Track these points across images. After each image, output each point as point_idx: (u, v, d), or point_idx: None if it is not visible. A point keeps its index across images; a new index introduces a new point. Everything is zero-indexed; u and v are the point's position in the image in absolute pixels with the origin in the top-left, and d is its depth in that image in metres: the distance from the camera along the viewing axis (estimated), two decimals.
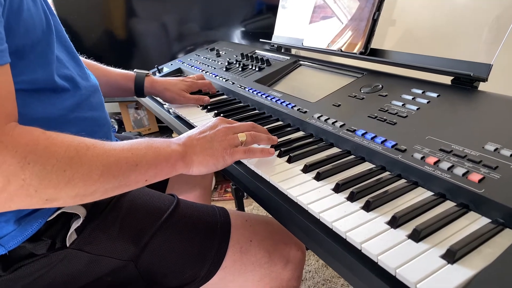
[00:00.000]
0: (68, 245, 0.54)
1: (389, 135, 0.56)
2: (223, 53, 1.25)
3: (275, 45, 1.14)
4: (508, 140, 0.46)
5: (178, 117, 0.89)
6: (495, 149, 0.46)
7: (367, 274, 0.37)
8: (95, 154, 0.45)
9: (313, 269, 1.34)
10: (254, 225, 0.69)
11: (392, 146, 0.53)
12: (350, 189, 0.48)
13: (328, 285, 1.27)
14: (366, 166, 0.56)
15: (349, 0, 0.84)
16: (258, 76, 0.95)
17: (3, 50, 0.41)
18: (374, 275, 0.36)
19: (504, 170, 0.42)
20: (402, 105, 0.62)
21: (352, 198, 0.47)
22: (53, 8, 1.67)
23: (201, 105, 0.91)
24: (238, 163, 0.62)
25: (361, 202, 0.46)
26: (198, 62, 1.23)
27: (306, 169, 0.55)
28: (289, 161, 0.59)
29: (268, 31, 1.20)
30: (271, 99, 0.81)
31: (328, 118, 0.66)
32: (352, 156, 0.58)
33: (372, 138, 0.56)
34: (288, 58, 1.01)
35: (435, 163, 0.47)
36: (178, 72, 1.24)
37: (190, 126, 0.82)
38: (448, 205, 0.44)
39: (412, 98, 0.63)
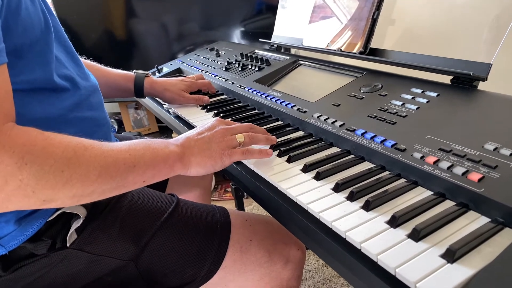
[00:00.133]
0: (68, 245, 0.54)
1: (389, 134, 0.56)
2: (223, 53, 1.25)
3: (275, 45, 1.14)
4: (508, 139, 0.46)
5: (178, 117, 0.89)
6: (495, 149, 0.46)
7: (366, 274, 0.37)
8: (93, 154, 0.45)
9: (313, 268, 1.34)
10: (254, 224, 0.69)
11: (392, 146, 0.53)
12: (350, 189, 0.48)
13: (328, 284, 1.27)
14: (365, 165, 0.56)
15: (349, 0, 0.84)
16: (257, 76, 0.95)
17: (0, 50, 0.41)
18: (374, 274, 0.36)
19: (504, 169, 0.42)
20: (402, 104, 0.62)
21: (351, 197, 0.47)
22: (52, 8, 1.67)
23: (200, 105, 0.91)
24: (238, 163, 0.62)
25: (361, 201, 0.46)
26: (197, 62, 1.23)
27: (306, 169, 0.55)
28: (289, 160, 0.59)
29: (267, 31, 1.20)
30: (270, 99, 0.81)
31: (328, 118, 0.66)
32: (352, 156, 0.58)
33: (371, 138, 0.56)
34: (288, 58, 1.01)
35: (435, 162, 0.47)
36: (177, 72, 1.24)
37: (190, 126, 0.82)
38: (448, 204, 0.44)
39: (412, 98, 0.63)
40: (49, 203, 0.42)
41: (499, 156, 0.44)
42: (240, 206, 1.41)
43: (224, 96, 0.97)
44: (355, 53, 0.80)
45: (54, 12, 1.70)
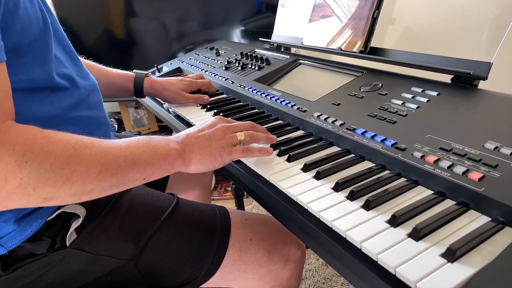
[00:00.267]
0: (68, 244, 0.54)
1: (389, 133, 0.55)
2: (223, 52, 1.25)
3: (275, 44, 1.14)
4: (508, 138, 0.46)
5: (178, 116, 0.88)
6: (495, 148, 0.45)
7: (367, 273, 0.37)
8: (93, 152, 0.45)
9: (313, 267, 1.34)
10: (254, 224, 0.69)
11: (392, 145, 0.53)
12: (350, 188, 0.48)
13: (328, 283, 1.27)
14: (366, 165, 0.55)
15: None
16: (257, 75, 0.95)
17: None
18: (374, 274, 0.36)
19: (504, 168, 0.42)
20: (402, 103, 0.62)
21: (352, 197, 0.47)
22: (52, 8, 1.65)
23: (200, 104, 0.91)
24: (238, 162, 0.62)
25: (361, 201, 0.46)
26: (197, 61, 1.23)
27: (306, 168, 0.55)
28: (289, 160, 0.58)
29: (267, 30, 1.20)
30: (270, 98, 0.81)
31: (328, 117, 0.65)
32: (352, 155, 0.58)
33: (372, 137, 0.56)
34: (288, 57, 1.01)
35: (435, 161, 0.47)
36: (177, 71, 1.24)
37: (190, 125, 0.81)
38: (448, 203, 0.44)
39: (412, 97, 0.62)
40: (50, 201, 0.42)
41: (499, 155, 0.44)
42: (240, 206, 1.41)
43: (224, 96, 0.97)
44: (355, 52, 0.80)
45: (54, 12, 1.70)
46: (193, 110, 0.88)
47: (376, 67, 0.79)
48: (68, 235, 0.54)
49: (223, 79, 1.01)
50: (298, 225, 0.47)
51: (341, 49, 0.84)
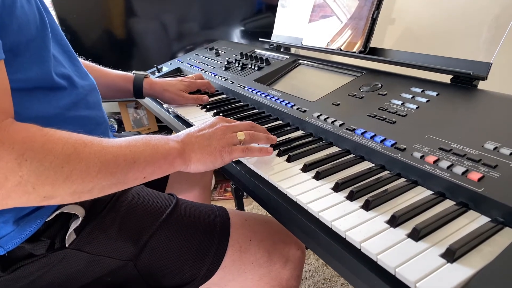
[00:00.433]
0: (67, 245, 0.54)
1: (389, 134, 0.55)
2: (223, 52, 1.25)
3: (275, 44, 1.14)
4: (508, 138, 0.46)
5: (177, 117, 0.88)
6: (495, 148, 0.45)
7: (366, 273, 0.37)
8: (93, 151, 0.45)
9: (313, 268, 1.34)
10: (254, 224, 0.69)
11: (392, 145, 0.53)
12: (350, 188, 0.48)
13: (328, 284, 1.27)
14: (365, 165, 0.55)
15: None
16: (257, 75, 0.95)
17: None
18: (374, 274, 0.36)
19: (504, 168, 0.42)
20: (402, 104, 0.62)
21: (351, 197, 0.47)
22: (52, 8, 1.65)
23: (200, 105, 0.91)
24: (237, 162, 0.62)
25: (361, 201, 0.46)
26: (197, 62, 1.23)
27: (306, 168, 0.55)
28: (289, 160, 0.58)
29: (267, 30, 1.20)
30: (270, 98, 0.81)
31: (328, 117, 0.65)
32: (352, 155, 0.58)
33: (371, 137, 0.56)
34: (288, 57, 1.01)
35: (435, 162, 0.47)
36: (177, 71, 1.24)
37: (189, 126, 0.81)
38: (448, 204, 0.44)
39: (412, 97, 0.62)
40: (49, 199, 0.42)
41: (499, 155, 0.44)
42: (240, 206, 1.40)
43: (224, 96, 0.97)
44: (355, 53, 0.80)
45: (53, 12, 1.69)
46: (192, 110, 0.88)
47: (375, 67, 0.79)
48: (67, 235, 0.54)
49: (223, 79, 1.01)
50: (297, 225, 0.47)
51: (340, 49, 0.84)
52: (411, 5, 0.75)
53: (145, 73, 0.93)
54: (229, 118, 0.64)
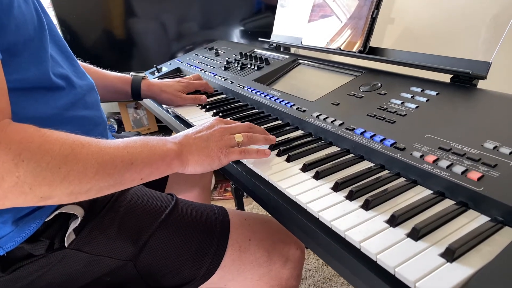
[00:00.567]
0: (66, 245, 0.54)
1: (388, 133, 0.55)
2: (222, 52, 1.25)
3: (274, 44, 1.14)
4: (507, 138, 0.46)
5: (177, 117, 0.88)
6: (494, 147, 0.45)
7: (366, 273, 0.37)
8: (90, 152, 0.45)
9: (313, 267, 1.34)
10: (253, 224, 0.69)
11: (391, 145, 0.53)
12: (349, 188, 0.48)
13: (328, 283, 1.27)
14: (365, 164, 0.55)
15: None
16: (257, 75, 0.95)
17: None
18: (373, 274, 0.36)
19: (503, 168, 0.42)
20: (401, 103, 0.62)
21: (351, 197, 0.47)
22: (51, 8, 1.65)
23: (200, 105, 0.91)
24: (237, 162, 0.62)
25: (360, 200, 0.46)
26: (197, 62, 1.23)
27: (305, 168, 0.55)
28: (288, 160, 0.58)
29: (267, 30, 1.20)
30: (270, 98, 0.81)
31: (327, 117, 0.65)
32: (351, 155, 0.58)
33: (371, 137, 0.56)
34: (287, 57, 1.01)
35: (434, 161, 0.47)
36: (177, 71, 1.24)
37: (189, 126, 0.81)
38: (447, 203, 0.44)
39: (411, 97, 0.62)
40: (46, 200, 0.42)
41: (498, 154, 0.44)
42: (240, 206, 1.41)
43: (223, 96, 0.97)
44: (355, 52, 0.80)
45: (53, 12, 1.69)
46: (192, 110, 0.88)
47: (375, 67, 0.79)
48: (66, 235, 0.54)
49: (223, 79, 1.01)
50: (297, 225, 0.47)
51: (340, 49, 0.84)
52: (410, 4, 0.75)
53: (143, 75, 0.94)
54: (228, 119, 0.64)
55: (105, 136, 0.66)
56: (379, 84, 0.70)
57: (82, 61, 0.82)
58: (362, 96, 0.68)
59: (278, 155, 0.61)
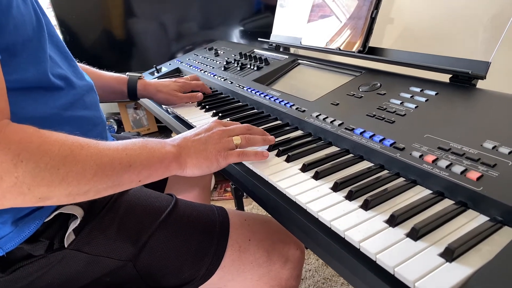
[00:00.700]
0: (66, 245, 0.54)
1: (388, 133, 0.55)
2: (222, 52, 1.25)
3: (274, 44, 1.14)
4: (507, 137, 0.46)
5: (177, 117, 0.88)
6: (494, 147, 0.45)
7: (365, 273, 0.37)
8: (89, 153, 0.45)
9: (313, 268, 1.34)
10: (253, 224, 0.69)
11: (391, 145, 0.53)
12: (349, 188, 0.48)
13: (328, 283, 1.27)
14: (364, 164, 0.55)
15: None
16: (256, 75, 0.95)
17: None
18: (373, 273, 0.36)
19: (503, 168, 0.42)
20: (401, 103, 0.62)
21: (350, 196, 0.47)
22: (51, 9, 1.65)
23: (199, 105, 0.91)
24: (237, 162, 0.62)
25: (360, 200, 0.46)
26: (196, 62, 1.23)
27: (305, 168, 0.55)
28: (288, 160, 0.58)
29: (266, 30, 1.20)
30: (269, 98, 0.81)
31: (327, 117, 0.65)
32: (351, 155, 0.58)
33: (370, 137, 0.56)
34: (287, 57, 1.01)
35: (434, 161, 0.47)
36: (176, 71, 1.24)
37: (189, 126, 0.81)
38: (447, 203, 0.44)
39: (411, 97, 0.62)
40: (45, 200, 0.42)
41: (497, 154, 0.44)
42: (239, 206, 1.41)
43: (223, 95, 0.97)
44: (354, 52, 0.80)
45: (53, 12, 1.69)
46: (192, 110, 0.88)
47: (374, 67, 0.79)
48: (66, 236, 0.54)
49: (222, 79, 1.01)
50: (297, 225, 0.47)
51: (339, 49, 0.84)
52: (410, 4, 0.75)
53: (139, 75, 0.94)
54: (227, 121, 0.64)
55: (104, 137, 0.66)
56: (379, 84, 0.70)
57: (78, 61, 0.82)
58: (362, 96, 0.68)
59: (278, 155, 0.61)
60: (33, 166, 0.40)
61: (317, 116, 0.67)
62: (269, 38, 1.15)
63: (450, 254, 0.35)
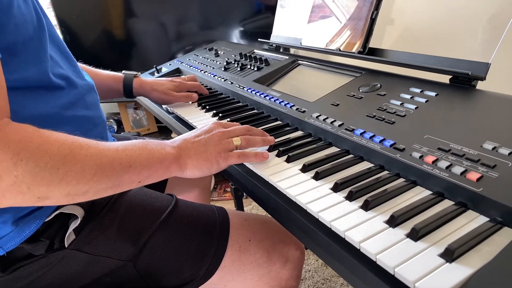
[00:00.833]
0: (66, 245, 0.54)
1: (388, 134, 0.56)
2: (222, 53, 1.25)
3: (274, 45, 1.14)
4: (506, 138, 0.46)
5: (177, 117, 0.88)
6: (493, 148, 0.46)
7: (366, 273, 0.37)
8: (89, 153, 0.45)
9: (312, 268, 1.34)
10: (253, 224, 0.69)
11: (391, 145, 0.53)
12: (349, 188, 0.48)
13: (328, 284, 1.27)
14: (364, 165, 0.56)
15: None
16: (256, 76, 0.95)
17: None
18: (373, 274, 0.36)
19: (502, 168, 0.42)
20: (401, 104, 0.62)
21: (350, 197, 0.47)
22: (51, 9, 1.64)
23: (199, 105, 0.91)
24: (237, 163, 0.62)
25: (360, 201, 0.46)
26: (196, 62, 1.23)
27: (305, 169, 0.55)
28: (288, 160, 0.58)
29: (266, 31, 1.20)
30: (269, 98, 0.81)
31: (327, 118, 0.66)
32: (351, 156, 0.58)
33: (370, 138, 0.56)
34: (287, 57, 1.01)
35: (434, 162, 0.47)
36: (176, 72, 1.24)
37: (189, 126, 0.81)
38: (447, 204, 0.44)
39: (411, 97, 0.63)
40: (44, 200, 0.42)
41: (497, 155, 0.44)
42: (239, 206, 1.41)
43: (223, 96, 0.97)
44: (354, 53, 0.80)
45: (53, 12, 1.69)
46: (192, 110, 0.88)
47: (374, 68, 0.79)
48: (66, 236, 0.54)
49: (222, 79, 1.01)
50: (297, 225, 0.47)
51: (340, 50, 0.84)
52: (410, 5, 0.75)
53: (135, 73, 0.94)
54: (226, 123, 0.64)
55: (104, 137, 0.66)
56: (379, 85, 0.70)
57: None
58: (362, 97, 0.68)
59: (278, 155, 0.61)
60: (33, 165, 0.40)
61: (317, 117, 0.67)
62: (269, 39, 1.15)
63: (450, 254, 0.35)
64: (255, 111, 0.83)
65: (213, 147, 0.56)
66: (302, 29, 0.99)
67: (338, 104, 0.69)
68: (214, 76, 1.05)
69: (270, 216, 0.57)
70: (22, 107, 0.50)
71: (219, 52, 1.26)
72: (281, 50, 1.14)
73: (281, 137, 0.68)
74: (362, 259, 0.38)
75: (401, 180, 0.50)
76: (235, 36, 1.74)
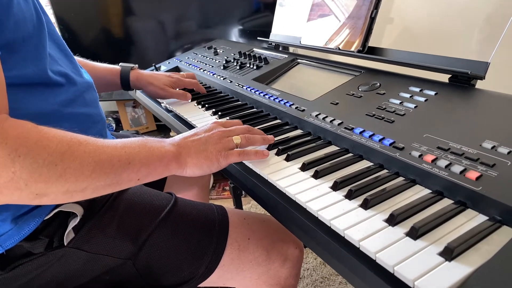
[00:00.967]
0: (65, 243, 0.54)
1: (387, 133, 0.56)
2: (221, 51, 1.25)
3: (273, 43, 1.14)
4: (506, 137, 0.47)
5: (176, 116, 0.88)
6: (493, 147, 0.46)
7: (365, 272, 0.37)
8: (88, 150, 0.45)
9: (311, 266, 1.35)
10: (252, 223, 0.69)
11: (390, 144, 0.53)
12: (348, 187, 0.48)
13: (326, 282, 1.27)
14: (364, 164, 0.56)
15: None
16: (256, 75, 0.95)
17: None
18: (372, 272, 0.36)
19: (502, 167, 0.43)
20: (400, 103, 0.62)
21: (350, 196, 0.47)
22: (50, 6, 1.64)
23: (198, 104, 0.91)
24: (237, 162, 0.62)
25: (359, 200, 0.46)
26: (195, 61, 1.23)
27: (304, 167, 0.55)
28: (287, 159, 0.59)
29: (266, 29, 1.20)
30: (269, 97, 0.81)
31: (326, 116, 0.66)
32: (350, 154, 0.58)
33: (370, 136, 0.56)
34: (286, 56, 1.01)
35: (433, 161, 0.47)
36: (175, 70, 1.24)
37: (188, 124, 0.81)
38: (446, 202, 0.44)
39: (410, 96, 0.63)
40: (42, 197, 0.42)
41: (497, 154, 0.45)
42: (238, 205, 1.41)
43: (222, 94, 0.97)
44: (354, 52, 0.80)
45: (51, 10, 1.68)
46: (191, 109, 0.88)
47: (374, 67, 0.79)
48: (65, 234, 0.54)
49: (222, 78, 1.01)
50: (296, 224, 0.47)
51: (339, 49, 0.84)
52: (409, 4, 0.75)
53: (132, 65, 0.94)
54: (226, 122, 0.64)
55: (104, 134, 0.66)
56: (378, 84, 0.70)
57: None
58: (361, 96, 0.68)
59: (277, 154, 0.61)
60: (31, 162, 0.40)
61: (316, 116, 0.67)
62: (268, 37, 1.15)
63: (450, 253, 0.35)
64: (255, 109, 0.83)
65: (214, 145, 0.56)
66: (301, 28, 0.99)
67: (337, 103, 0.69)
68: (213, 74, 1.05)
69: (269, 214, 0.57)
70: (21, 104, 0.49)
71: (218, 50, 1.26)
72: (280, 49, 1.14)
73: (280, 135, 0.68)
74: (361, 257, 0.38)
75: (401, 179, 0.50)
76: (234, 34, 1.74)
